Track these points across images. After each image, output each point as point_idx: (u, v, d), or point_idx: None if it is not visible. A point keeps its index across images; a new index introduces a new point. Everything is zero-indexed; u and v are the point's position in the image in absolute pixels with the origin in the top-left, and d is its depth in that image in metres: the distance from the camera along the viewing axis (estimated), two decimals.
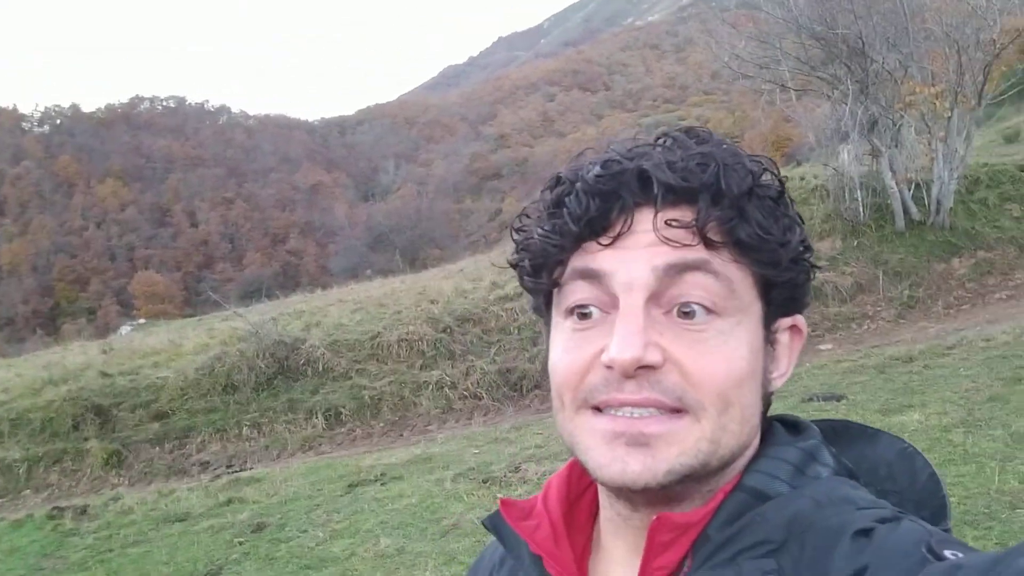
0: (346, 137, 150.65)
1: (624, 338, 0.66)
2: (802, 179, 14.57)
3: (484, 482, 6.59)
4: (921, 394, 6.66)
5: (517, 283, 0.79)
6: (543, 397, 10.24)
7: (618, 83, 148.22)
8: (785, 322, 0.75)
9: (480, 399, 10.43)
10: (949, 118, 12.07)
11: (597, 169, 0.70)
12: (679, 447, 0.66)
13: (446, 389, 10.62)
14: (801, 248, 0.73)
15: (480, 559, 0.92)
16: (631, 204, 0.69)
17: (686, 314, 0.68)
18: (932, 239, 12.28)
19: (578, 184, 0.71)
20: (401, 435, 9.96)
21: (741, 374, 0.68)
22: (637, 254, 0.68)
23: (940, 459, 4.91)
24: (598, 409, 0.69)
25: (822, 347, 10.26)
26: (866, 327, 10.91)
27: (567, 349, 0.71)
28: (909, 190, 12.55)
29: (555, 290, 0.74)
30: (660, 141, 0.74)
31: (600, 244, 0.69)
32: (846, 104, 12.24)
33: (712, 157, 0.69)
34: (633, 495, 0.70)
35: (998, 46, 11.77)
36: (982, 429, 5.37)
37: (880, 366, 8.14)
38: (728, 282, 0.68)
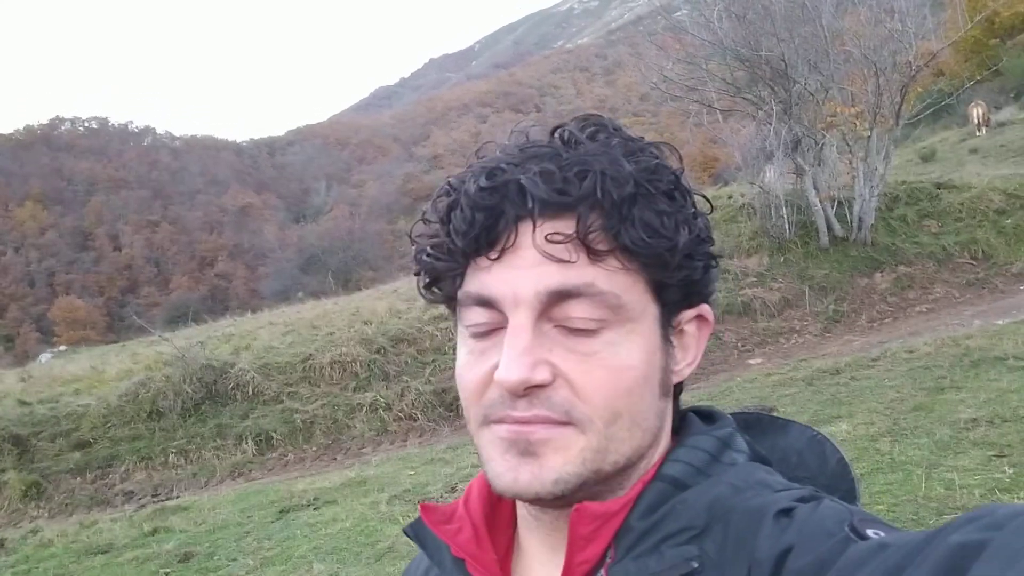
0: (276, 158, 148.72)
1: (511, 359, 0.66)
2: (730, 198, 14.87)
3: (420, 504, 6.49)
4: (848, 405, 6.81)
5: None
6: None
7: (549, 105, 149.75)
8: (689, 314, 0.75)
9: (415, 420, 10.32)
10: (868, 138, 12.47)
11: (482, 180, 0.69)
12: (563, 455, 0.67)
13: (380, 411, 10.48)
14: (696, 243, 0.71)
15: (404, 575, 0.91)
16: (513, 218, 0.68)
17: (575, 329, 0.68)
18: (855, 255, 12.63)
19: (462, 198, 0.70)
20: (335, 459, 9.78)
21: (631, 383, 0.69)
22: (524, 274, 0.67)
23: (868, 468, 5.02)
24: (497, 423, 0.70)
25: (752, 361, 10.45)
26: (794, 341, 11.14)
27: (467, 364, 0.72)
28: (832, 207, 12.91)
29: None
30: (552, 139, 0.73)
31: (488, 259, 0.69)
32: (770, 124, 12.54)
33: (592, 163, 0.68)
34: (531, 502, 0.71)
35: (914, 68, 12.23)
36: (908, 438, 5.51)
37: (808, 378, 8.31)
38: (615, 296, 0.68)
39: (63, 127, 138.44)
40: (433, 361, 11.27)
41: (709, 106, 14.05)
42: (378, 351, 11.50)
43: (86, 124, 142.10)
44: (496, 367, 0.68)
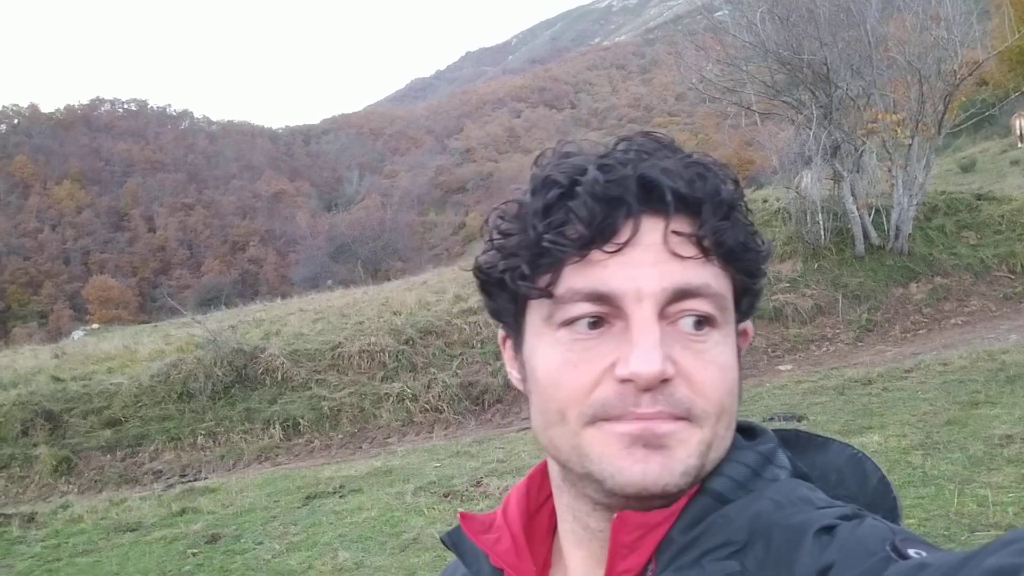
0: (310, 146, 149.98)
1: (646, 352, 0.66)
2: (765, 201, 14.75)
3: (445, 496, 6.53)
4: (880, 416, 6.73)
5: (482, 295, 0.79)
6: (504, 411, 10.19)
7: (584, 102, 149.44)
8: (741, 327, 0.77)
9: (441, 412, 10.35)
10: (909, 146, 12.30)
11: (598, 173, 0.68)
12: (686, 448, 0.68)
13: (407, 401, 10.53)
14: (768, 255, 0.75)
15: None
16: (636, 211, 0.68)
17: (695, 324, 0.69)
18: (891, 264, 12.47)
19: (580, 188, 0.68)
20: (360, 447, 9.84)
21: (732, 383, 0.71)
22: (647, 270, 0.68)
23: (899, 481, 4.96)
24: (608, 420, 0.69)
25: (782, 368, 10.36)
26: (825, 349, 11.04)
27: (570, 362, 0.69)
28: (869, 215, 12.75)
29: (539, 300, 0.71)
30: (627, 145, 0.73)
31: (605, 252, 0.68)
32: (810, 129, 12.40)
33: (706, 166, 0.70)
34: (639, 501, 0.69)
35: (958, 77, 12.03)
36: (940, 452, 5.43)
37: (839, 387, 8.22)
38: (723, 299, 0.70)
39: (103, 108, 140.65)
40: (461, 354, 11.30)
41: (747, 108, 13.93)
42: (406, 342, 11.55)
43: (125, 106, 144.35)
44: (610, 366, 0.67)
